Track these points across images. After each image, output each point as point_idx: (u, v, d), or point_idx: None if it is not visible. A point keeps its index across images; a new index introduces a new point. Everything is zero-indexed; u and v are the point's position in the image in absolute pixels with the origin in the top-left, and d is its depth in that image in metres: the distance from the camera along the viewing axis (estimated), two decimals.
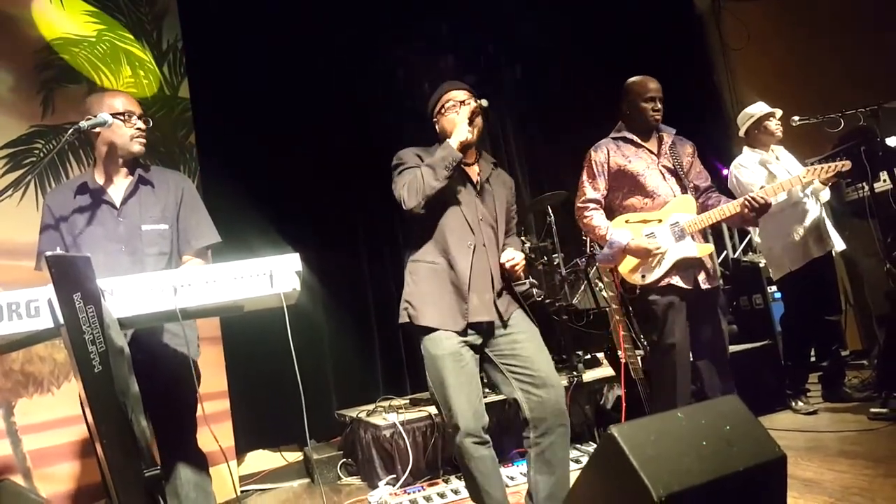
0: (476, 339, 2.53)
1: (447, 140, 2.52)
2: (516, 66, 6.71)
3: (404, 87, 6.07)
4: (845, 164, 3.42)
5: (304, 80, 5.56)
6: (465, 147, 2.53)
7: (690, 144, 3.44)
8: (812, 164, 4.11)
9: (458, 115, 2.56)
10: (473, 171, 2.67)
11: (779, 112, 4.20)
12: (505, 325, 2.56)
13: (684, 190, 3.26)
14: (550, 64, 6.59)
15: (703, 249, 3.19)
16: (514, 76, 6.71)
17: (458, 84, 2.70)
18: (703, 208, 3.27)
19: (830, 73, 6.16)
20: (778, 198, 4.00)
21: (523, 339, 2.54)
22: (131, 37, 4.35)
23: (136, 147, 2.58)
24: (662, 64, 6.46)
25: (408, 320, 2.58)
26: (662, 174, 3.26)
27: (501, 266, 2.60)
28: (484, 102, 2.57)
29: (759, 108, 4.25)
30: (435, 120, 2.71)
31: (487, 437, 2.47)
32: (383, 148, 6.07)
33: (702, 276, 3.18)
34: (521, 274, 2.65)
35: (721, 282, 3.28)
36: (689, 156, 3.39)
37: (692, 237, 3.19)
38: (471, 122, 2.54)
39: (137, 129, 2.58)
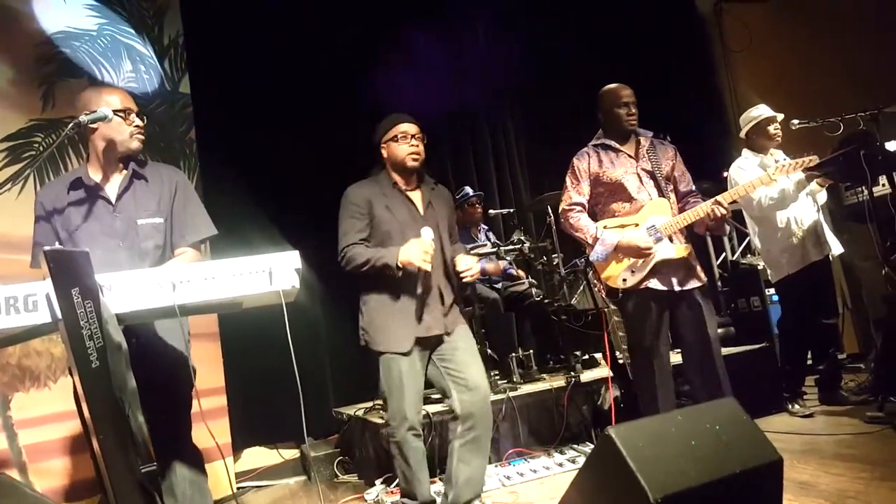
0: (425, 349, 2.88)
1: (398, 252, 2.76)
2: (518, 66, 6.69)
3: (406, 86, 6.06)
4: (812, 160, 3.47)
5: (306, 77, 5.54)
6: (406, 175, 2.97)
7: (672, 147, 3.50)
8: (808, 169, 4.12)
9: (417, 257, 2.71)
10: (416, 197, 2.97)
11: (780, 116, 4.21)
12: (449, 335, 2.90)
13: (661, 193, 3.32)
14: (552, 64, 6.59)
15: (681, 250, 3.23)
16: (515, 76, 6.69)
17: (410, 118, 3.00)
18: (683, 211, 3.31)
19: (831, 76, 6.16)
20: (771, 196, 4.00)
21: (462, 347, 2.89)
22: (132, 31, 4.35)
23: (136, 144, 2.58)
24: (664, 65, 6.51)
25: (364, 344, 2.96)
26: (640, 178, 3.34)
27: (452, 278, 2.94)
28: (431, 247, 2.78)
29: (760, 112, 4.25)
30: (384, 146, 2.99)
31: (421, 431, 2.89)
32: None
33: (676, 279, 3.22)
34: (471, 280, 2.94)
35: (705, 282, 3.29)
36: (671, 159, 3.46)
37: (670, 239, 3.25)
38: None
39: (136, 126, 2.58)
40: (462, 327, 2.96)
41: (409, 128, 2.95)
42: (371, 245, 2.90)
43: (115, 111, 2.50)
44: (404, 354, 2.80)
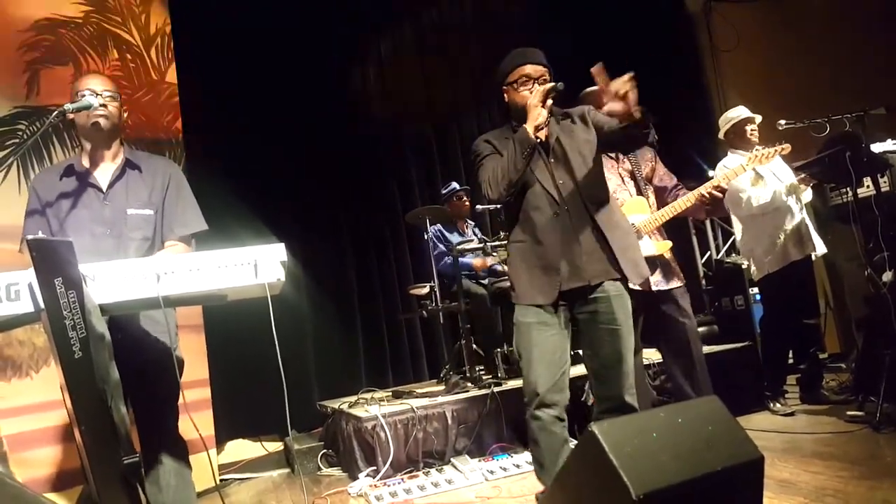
0: (566, 310, 2.51)
1: (523, 126, 2.47)
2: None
3: (395, 82, 6.07)
4: (785, 148, 3.56)
5: (294, 68, 5.52)
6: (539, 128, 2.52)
7: (650, 150, 3.58)
8: (796, 168, 4.15)
9: (532, 97, 2.49)
10: (542, 136, 2.60)
11: (758, 118, 4.25)
12: (593, 293, 2.49)
13: (640, 193, 3.39)
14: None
15: (661, 246, 3.30)
16: None
17: (534, 56, 2.62)
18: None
19: (818, 77, 6.20)
20: (761, 200, 4.04)
21: (605, 321, 2.47)
22: (119, 19, 4.30)
23: (95, 122, 2.52)
24: (651, 63, 6.51)
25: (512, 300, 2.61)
26: (622, 178, 3.40)
27: (595, 219, 2.52)
28: (560, 86, 2.49)
29: (738, 113, 4.28)
30: (504, 89, 2.65)
31: (564, 415, 2.47)
32: (370, 138, 6.07)
33: (655, 278, 3.26)
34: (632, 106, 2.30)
35: (684, 282, 3.34)
36: (650, 160, 3.55)
37: (649, 236, 3.29)
38: (543, 103, 2.49)
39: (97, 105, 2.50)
40: (611, 284, 2.50)
41: (533, 69, 2.58)
42: (511, 202, 2.58)
43: (76, 93, 2.50)
44: (540, 308, 2.48)
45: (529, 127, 2.46)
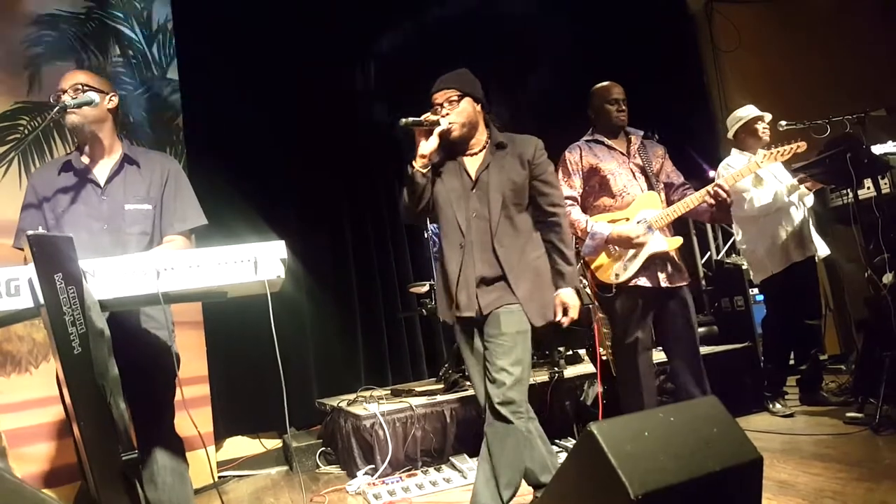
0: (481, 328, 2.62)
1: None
2: (507, 63, 6.68)
3: (396, 81, 6.06)
4: (801, 146, 3.50)
5: (297, 66, 5.51)
6: (453, 145, 2.67)
7: (661, 147, 3.56)
8: (796, 169, 4.15)
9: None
10: (474, 163, 2.69)
11: (768, 116, 4.25)
12: (485, 319, 2.57)
13: (651, 188, 3.35)
14: (541, 62, 6.58)
15: (673, 242, 3.27)
16: (504, 73, 6.68)
17: (440, 83, 2.75)
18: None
19: (819, 78, 6.21)
20: (763, 201, 4.05)
21: (492, 336, 2.53)
22: (121, 15, 4.30)
23: (68, 119, 2.51)
24: (653, 63, 6.52)
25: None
26: (633, 173, 3.37)
27: (502, 254, 2.57)
28: (402, 121, 2.58)
29: (748, 112, 4.28)
30: None
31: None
32: (370, 137, 6.07)
33: (663, 275, 3.24)
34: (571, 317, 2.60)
35: (689, 280, 3.33)
36: (660, 157, 3.51)
37: (661, 232, 3.27)
38: (425, 135, 2.60)
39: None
40: (504, 311, 2.52)
41: (437, 96, 2.70)
42: (437, 223, 2.74)
43: (59, 91, 2.51)
44: (455, 325, 2.66)
45: (416, 161, 2.60)
